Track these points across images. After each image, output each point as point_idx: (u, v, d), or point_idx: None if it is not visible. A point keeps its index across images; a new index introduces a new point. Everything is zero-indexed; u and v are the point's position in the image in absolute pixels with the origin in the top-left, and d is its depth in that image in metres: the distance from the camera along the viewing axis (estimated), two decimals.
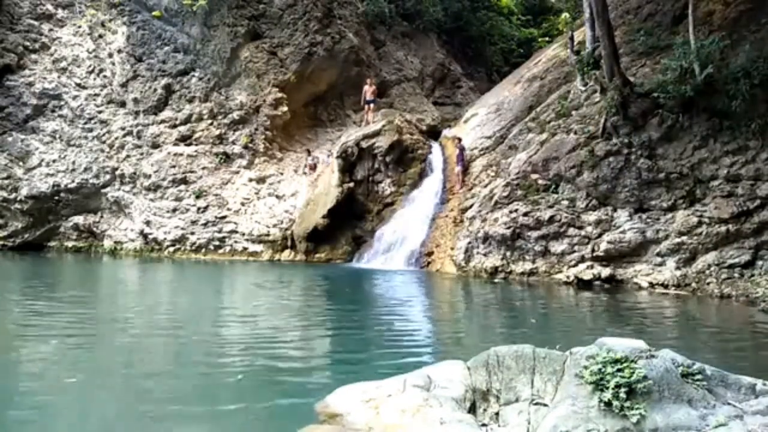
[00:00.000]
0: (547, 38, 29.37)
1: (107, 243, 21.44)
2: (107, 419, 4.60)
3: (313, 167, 20.43)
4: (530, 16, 32.60)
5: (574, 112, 15.48)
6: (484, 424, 3.79)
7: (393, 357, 6.52)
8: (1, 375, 5.53)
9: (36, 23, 21.78)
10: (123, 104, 21.64)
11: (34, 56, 21.77)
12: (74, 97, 21.68)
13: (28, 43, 21.65)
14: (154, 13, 20.98)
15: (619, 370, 3.58)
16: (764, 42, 12.82)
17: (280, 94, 20.87)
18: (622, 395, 3.44)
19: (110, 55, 21.67)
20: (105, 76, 21.81)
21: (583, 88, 15.84)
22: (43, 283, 13.05)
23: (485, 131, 19.44)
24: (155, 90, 21.07)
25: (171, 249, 20.18)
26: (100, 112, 21.71)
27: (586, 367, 3.67)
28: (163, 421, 4.45)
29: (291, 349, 6.99)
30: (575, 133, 14.62)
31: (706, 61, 12.39)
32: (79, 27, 21.99)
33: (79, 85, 21.81)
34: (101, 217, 21.83)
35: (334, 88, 22.92)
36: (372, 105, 20.84)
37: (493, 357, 4.10)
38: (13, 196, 20.73)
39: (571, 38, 17.67)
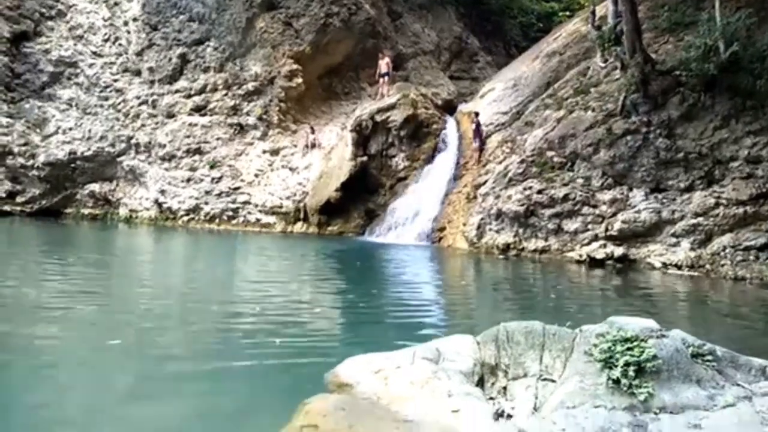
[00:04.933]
0: (567, 12, 28.68)
1: (122, 211, 21.69)
2: (150, 376, 4.83)
3: (314, 145, 20.26)
4: None
5: (592, 89, 15.21)
6: (491, 398, 3.82)
7: (402, 329, 6.58)
8: (49, 339, 5.68)
9: None
10: (138, 73, 21.64)
11: (50, 23, 21.75)
12: (90, 65, 21.72)
13: (44, 10, 21.62)
14: None
15: (629, 348, 3.58)
16: None
17: (294, 66, 20.71)
18: (631, 373, 3.45)
19: (125, 23, 21.60)
20: (120, 45, 21.78)
21: (603, 65, 15.52)
22: (64, 249, 13.26)
23: (501, 107, 19.19)
24: (170, 59, 21.02)
25: (185, 218, 20.38)
26: (115, 80, 21.75)
27: (595, 345, 3.67)
28: (179, 386, 4.56)
29: (301, 319, 7.07)
30: (593, 110, 14.38)
31: (731, 39, 12.06)
32: None
33: (94, 53, 21.83)
34: (117, 185, 22.04)
35: (350, 61, 22.67)
36: (387, 78, 20.61)
37: (502, 332, 4.11)
38: (30, 162, 20.96)
39: (593, 13, 17.26)
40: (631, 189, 13.52)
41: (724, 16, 12.60)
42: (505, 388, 3.92)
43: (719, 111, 12.75)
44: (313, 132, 20.52)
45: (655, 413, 3.31)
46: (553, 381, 3.77)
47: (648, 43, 14.40)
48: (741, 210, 12.20)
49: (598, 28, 16.40)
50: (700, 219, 12.56)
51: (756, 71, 11.79)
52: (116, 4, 21.75)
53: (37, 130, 21.34)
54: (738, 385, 3.57)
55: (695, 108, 12.94)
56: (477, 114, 18.54)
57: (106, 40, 21.88)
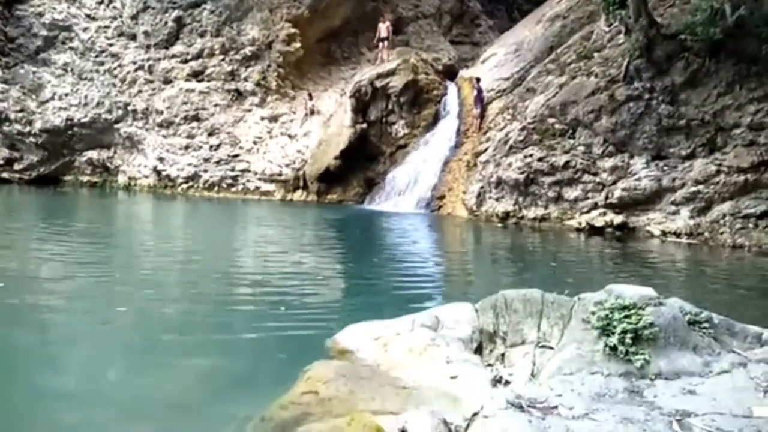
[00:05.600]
0: None
1: (121, 178, 21.61)
2: (155, 344, 4.92)
3: (312, 112, 20.01)
4: None
5: (596, 54, 14.96)
6: (489, 365, 3.87)
7: (402, 297, 6.64)
8: (56, 310, 5.73)
9: None
10: (134, 37, 21.23)
11: None
12: (84, 29, 21.28)
13: None
14: None
15: (626, 316, 3.60)
16: None
17: (292, 30, 20.29)
18: (628, 341, 3.48)
19: None
20: (115, 8, 21.30)
21: (607, 29, 15.22)
22: (65, 217, 13.24)
23: (503, 72, 18.91)
24: (166, 23, 20.59)
25: (184, 186, 20.32)
26: (110, 45, 21.34)
27: (593, 313, 3.70)
28: (182, 353, 4.63)
29: (302, 287, 7.12)
30: (596, 76, 14.18)
31: (738, 2, 11.80)
32: None
33: (89, 16, 21.35)
34: (115, 152, 21.89)
35: (349, 24, 22.21)
36: (387, 43, 20.24)
37: (501, 300, 4.14)
38: (27, 129, 20.76)
39: None
40: (632, 156, 13.44)
41: None
42: (503, 355, 3.97)
43: (723, 77, 12.57)
44: (311, 98, 20.24)
45: (651, 379, 3.35)
46: (551, 348, 3.82)
47: (653, 7, 14.10)
48: (742, 178, 12.15)
49: None
50: (701, 187, 12.53)
51: (762, 35, 11.58)
52: None
53: (33, 96, 21.07)
54: (733, 351, 3.61)
55: (699, 73, 12.76)
56: (478, 80, 18.26)
57: (100, 3, 21.39)
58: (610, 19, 14.99)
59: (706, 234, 12.25)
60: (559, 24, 18.62)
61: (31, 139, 20.88)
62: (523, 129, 14.98)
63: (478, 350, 3.99)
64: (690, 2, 13.58)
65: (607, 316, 3.63)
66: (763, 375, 3.38)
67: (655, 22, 13.28)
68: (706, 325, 3.73)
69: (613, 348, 3.51)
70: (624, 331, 3.51)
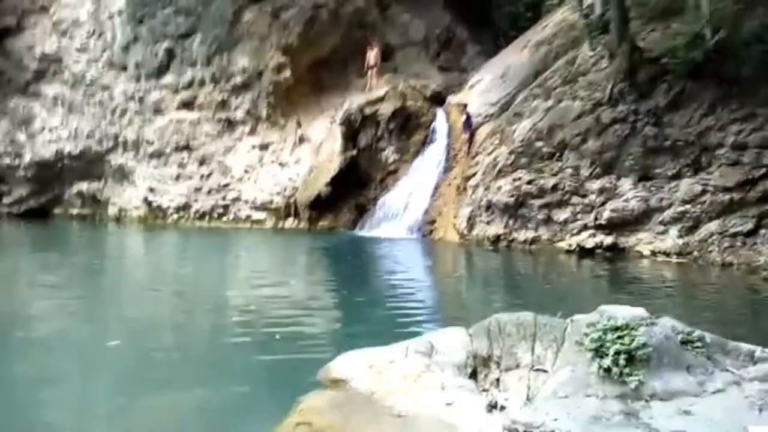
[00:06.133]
0: (555, 1, 28.64)
1: (112, 210, 21.50)
2: (149, 376, 4.86)
3: (302, 140, 20.15)
4: None
5: (580, 79, 15.23)
6: (484, 390, 3.85)
7: (395, 324, 6.60)
8: (49, 341, 5.66)
9: None
10: (124, 68, 21.37)
11: (33, 18, 21.40)
12: (75, 61, 21.41)
13: (27, 5, 21.27)
14: None
15: (619, 337, 3.62)
16: None
17: (283, 59, 20.53)
18: (622, 362, 3.49)
19: (110, 17, 21.29)
20: (105, 40, 21.47)
21: (591, 54, 15.53)
22: (55, 251, 13.13)
23: (490, 97, 19.17)
24: (156, 54, 20.77)
25: (175, 216, 20.24)
26: (101, 76, 21.44)
27: (586, 335, 3.71)
28: (177, 384, 4.57)
29: (294, 316, 7.08)
30: (581, 99, 14.42)
31: (718, 25, 12.13)
32: None
33: (79, 48, 21.50)
34: (105, 184, 21.81)
35: (338, 53, 22.50)
36: (375, 70, 20.52)
37: (494, 324, 4.14)
38: (17, 162, 20.69)
39: (580, 2, 17.24)
40: (619, 178, 13.60)
41: (711, 3, 12.65)
42: (498, 379, 3.95)
43: (705, 98, 12.83)
44: (299, 127, 20.42)
45: (646, 401, 3.35)
46: (545, 371, 3.81)
47: (635, 32, 14.43)
48: (728, 196, 12.31)
49: (585, 16, 16.38)
50: (688, 206, 12.68)
51: (742, 58, 11.87)
52: None
53: (23, 129, 21.06)
54: (727, 370, 3.63)
55: (682, 96, 13.02)
56: (465, 106, 18.52)
57: (90, 35, 21.56)
58: (594, 44, 15.32)
59: (696, 253, 12.34)
60: (544, 50, 18.99)
61: (21, 172, 20.80)
62: (511, 153, 15.14)
63: (473, 375, 3.97)
64: (671, 27, 13.92)
65: (600, 337, 3.64)
66: (758, 393, 3.39)
67: (637, 47, 13.60)
68: (698, 344, 3.75)
69: (608, 370, 3.51)
70: (617, 353, 3.52)
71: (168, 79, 20.88)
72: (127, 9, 20.90)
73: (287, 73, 20.63)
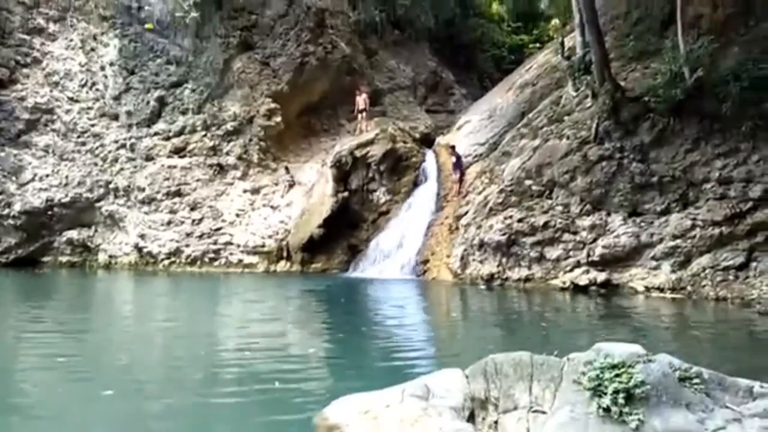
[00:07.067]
0: (537, 44, 29.54)
1: (102, 257, 21.30)
2: (145, 427, 4.75)
3: (292, 185, 20.29)
4: (520, 22, 32.78)
5: (566, 118, 15.57)
6: None
7: (391, 367, 6.51)
8: (42, 393, 5.53)
9: (28, 38, 21.71)
10: (116, 117, 21.59)
11: (26, 71, 21.69)
12: (67, 111, 21.61)
13: (19, 58, 21.58)
14: (146, 26, 20.98)
15: (617, 375, 3.58)
16: (752, 45, 12.96)
17: (273, 105, 20.87)
18: (621, 401, 3.44)
19: (102, 68, 21.64)
20: (98, 90, 21.77)
21: (575, 94, 15.93)
22: (45, 300, 12.88)
23: (478, 138, 19.51)
24: (148, 102, 21.04)
25: (166, 262, 20.07)
26: (93, 125, 21.63)
27: (583, 373, 3.67)
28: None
29: (288, 361, 6.96)
30: (568, 138, 14.69)
31: (695, 65, 12.51)
32: (71, 41, 21.96)
33: (71, 98, 21.75)
34: (95, 231, 21.69)
35: (328, 98, 22.94)
36: (365, 114, 20.88)
37: (490, 365, 4.09)
38: (6, 211, 20.58)
39: (562, 44, 17.79)
40: (609, 214, 13.73)
41: (687, 43, 13.09)
42: (496, 422, 3.88)
43: (689, 135, 13.11)
44: (287, 172, 20.57)
45: None
46: (544, 412, 3.75)
47: (616, 72, 14.86)
48: (717, 231, 12.43)
49: (567, 58, 16.88)
50: (678, 241, 12.76)
51: (721, 95, 12.20)
52: (93, 49, 21.82)
53: (13, 178, 21.04)
54: (727, 407, 3.58)
55: (665, 132, 13.30)
56: (454, 147, 18.82)
57: (83, 86, 21.85)
58: (577, 84, 15.73)
59: (689, 288, 12.35)
60: (529, 91, 19.47)
61: (10, 221, 20.66)
62: (501, 191, 15.29)
63: (471, 418, 3.89)
64: (650, 67, 14.35)
65: (597, 376, 3.60)
66: (759, 430, 3.34)
67: (619, 86, 13.96)
68: (696, 380, 3.71)
69: (607, 409, 3.46)
70: (616, 391, 3.48)
71: (159, 126, 21.10)
72: (120, 60, 21.28)
73: (278, 118, 20.94)
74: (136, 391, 5.64)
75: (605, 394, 3.49)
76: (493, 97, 22.19)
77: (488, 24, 30.43)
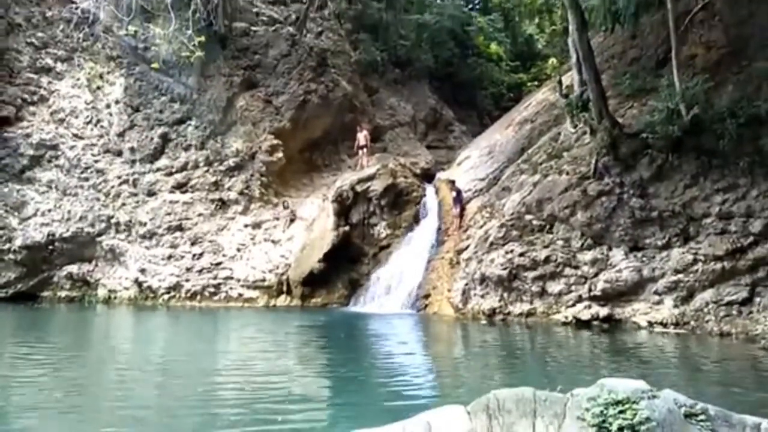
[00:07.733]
0: (535, 83, 30.10)
1: (101, 292, 21.18)
2: None
3: (292, 220, 20.38)
4: (519, 62, 33.50)
5: (565, 154, 15.72)
6: None
7: (392, 402, 6.41)
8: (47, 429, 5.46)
9: (35, 76, 22.13)
10: (120, 153, 21.82)
11: (32, 108, 22.02)
12: (71, 147, 21.84)
13: (26, 96, 21.94)
14: (152, 65, 21.42)
15: (621, 411, 3.53)
16: (746, 83, 13.19)
17: (275, 141, 21.14)
18: None
19: (108, 106, 22.00)
20: (102, 126, 22.06)
21: (573, 130, 16.14)
22: (44, 335, 12.75)
23: (478, 173, 19.66)
24: (152, 139, 21.31)
25: (166, 297, 19.96)
26: (96, 161, 21.83)
27: (587, 409, 3.62)
28: None
29: (287, 398, 6.86)
30: (567, 173, 14.80)
31: (691, 102, 12.70)
32: (78, 79, 22.38)
33: (76, 135, 22.01)
34: (96, 265, 21.63)
35: (329, 134, 23.26)
36: (366, 150, 21.13)
37: (493, 401, 4.03)
38: (7, 246, 20.57)
39: (560, 82, 18.14)
40: (610, 248, 13.72)
41: (683, 81, 13.32)
42: None
43: (687, 170, 13.21)
44: (285, 207, 20.68)
45: None
46: None
47: (614, 109, 15.08)
48: (719, 265, 12.39)
49: (565, 96, 17.16)
50: (681, 276, 12.71)
51: (718, 132, 12.35)
52: (99, 88, 22.22)
53: (15, 213, 21.11)
54: None
55: (664, 168, 13.41)
56: (454, 182, 18.97)
57: (87, 123, 22.15)
58: (575, 121, 15.96)
59: (692, 323, 12.24)
60: (528, 127, 19.73)
61: (10, 256, 20.64)
62: (501, 226, 15.32)
63: None
64: (647, 104, 14.57)
65: (602, 412, 3.55)
66: None
67: (617, 123, 14.15)
68: (702, 417, 3.66)
69: None
70: (621, 428, 3.43)
71: (162, 162, 21.31)
72: (125, 98, 21.67)
73: (279, 154, 21.18)
74: (137, 429, 5.54)
75: (610, 430, 3.44)
76: (492, 133, 22.48)
77: (487, 63, 31.08)
